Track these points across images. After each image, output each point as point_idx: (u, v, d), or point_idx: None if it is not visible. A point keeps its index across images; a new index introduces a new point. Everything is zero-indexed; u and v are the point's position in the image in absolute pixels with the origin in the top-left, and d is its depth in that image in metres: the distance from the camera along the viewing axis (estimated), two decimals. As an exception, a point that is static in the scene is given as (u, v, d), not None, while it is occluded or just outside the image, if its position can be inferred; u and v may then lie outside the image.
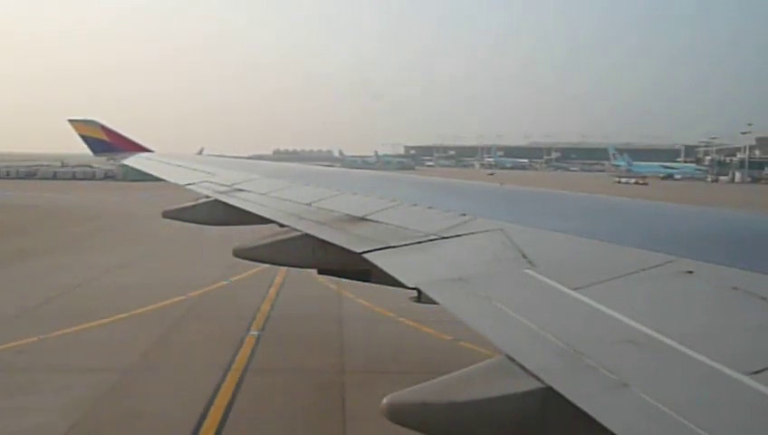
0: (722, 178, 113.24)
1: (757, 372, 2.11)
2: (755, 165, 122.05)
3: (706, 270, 3.14)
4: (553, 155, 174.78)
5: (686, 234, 4.20)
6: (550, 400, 2.32)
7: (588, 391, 2.24)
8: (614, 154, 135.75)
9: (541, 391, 2.38)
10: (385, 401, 2.67)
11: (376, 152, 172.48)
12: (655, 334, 2.52)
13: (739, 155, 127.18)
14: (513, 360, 2.59)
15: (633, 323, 2.66)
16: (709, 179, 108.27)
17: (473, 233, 4.60)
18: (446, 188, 8.19)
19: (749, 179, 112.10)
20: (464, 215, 5.11)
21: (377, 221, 5.61)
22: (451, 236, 4.62)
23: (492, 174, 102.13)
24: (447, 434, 2.67)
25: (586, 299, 3.02)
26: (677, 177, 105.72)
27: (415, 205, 5.99)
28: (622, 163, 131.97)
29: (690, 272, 3.13)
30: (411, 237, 4.81)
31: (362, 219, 5.79)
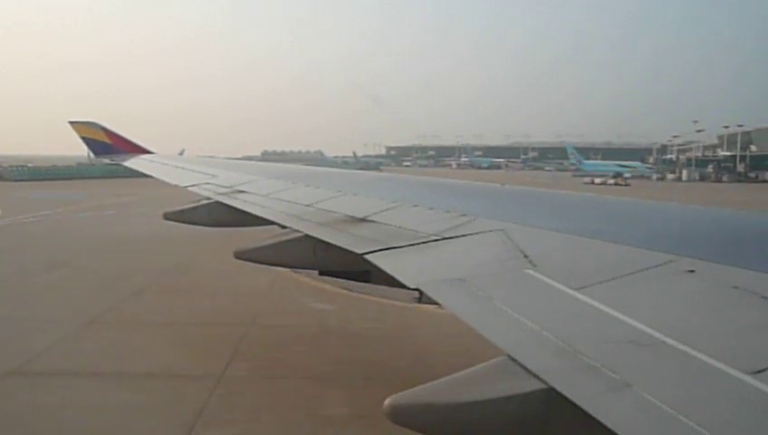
0: (669, 176, 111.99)
1: (759, 372, 2.11)
2: (702, 163, 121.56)
3: (708, 269, 3.14)
4: (530, 154, 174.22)
5: (688, 233, 4.20)
6: (552, 400, 2.32)
7: (590, 392, 2.24)
8: (572, 153, 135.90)
9: (543, 391, 2.37)
10: (387, 401, 2.67)
11: (354, 153, 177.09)
12: (657, 334, 2.52)
13: (699, 153, 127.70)
14: (515, 360, 2.59)
15: (635, 323, 2.65)
16: (655, 178, 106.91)
17: (474, 233, 4.59)
18: (447, 189, 8.19)
19: (697, 177, 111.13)
20: (465, 215, 5.11)
21: (378, 222, 5.61)
22: (452, 237, 4.62)
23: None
24: None
25: (588, 299, 3.01)
26: (627, 175, 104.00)
27: (416, 205, 5.99)
28: (574, 162, 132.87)
29: (692, 271, 3.13)
30: (412, 238, 4.81)
31: (363, 220, 5.79)
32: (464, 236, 4.59)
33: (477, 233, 4.58)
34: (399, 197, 6.47)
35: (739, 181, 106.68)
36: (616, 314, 2.80)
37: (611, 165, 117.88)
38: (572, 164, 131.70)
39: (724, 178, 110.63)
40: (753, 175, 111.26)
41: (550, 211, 5.58)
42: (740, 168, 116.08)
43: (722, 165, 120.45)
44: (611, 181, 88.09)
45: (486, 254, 4.16)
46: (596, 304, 2.94)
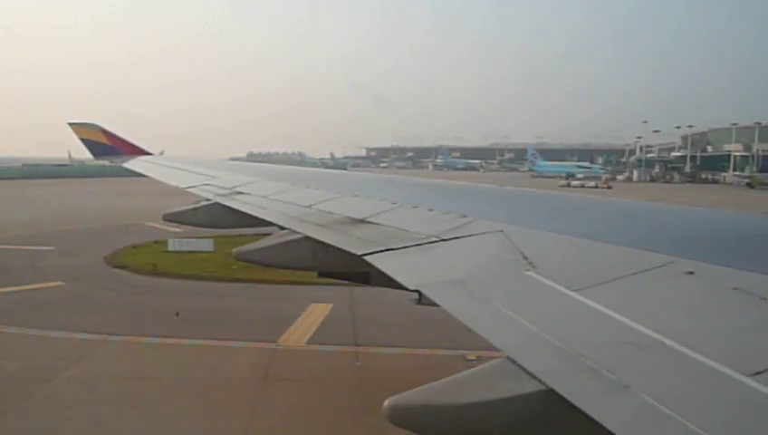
0: (619, 177, 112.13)
1: (758, 374, 2.11)
2: (651, 163, 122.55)
3: (707, 271, 3.14)
4: (506, 156, 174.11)
5: (687, 235, 4.20)
6: (551, 402, 2.32)
7: (589, 393, 2.24)
8: (534, 154, 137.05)
9: (542, 393, 2.38)
10: (387, 403, 2.67)
11: (331, 154, 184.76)
12: (656, 336, 2.52)
13: (655, 154, 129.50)
14: (514, 362, 2.59)
15: (634, 325, 2.65)
16: (604, 178, 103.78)
17: (473, 235, 4.60)
18: (446, 190, 8.19)
19: (648, 178, 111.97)
20: (464, 217, 5.11)
21: (377, 223, 5.61)
22: (452, 238, 4.62)
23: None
24: None
25: (587, 301, 3.02)
26: (579, 176, 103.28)
27: (415, 207, 6.00)
28: (529, 162, 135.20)
29: (691, 273, 3.13)
30: (412, 239, 4.81)
31: (363, 221, 5.79)
32: (463, 237, 4.59)
33: (477, 234, 4.59)
34: (399, 198, 6.48)
35: (689, 181, 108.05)
36: (615, 315, 2.80)
37: (568, 165, 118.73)
38: (532, 163, 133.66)
39: (676, 179, 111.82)
40: (708, 176, 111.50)
41: (549, 213, 5.59)
42: (692, 168, 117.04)
43: (669, 165, 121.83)
44: (591, 184, 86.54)
45: (486, 255, 4.17)
46: (596, 305, 2.95)
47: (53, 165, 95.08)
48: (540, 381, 2.40)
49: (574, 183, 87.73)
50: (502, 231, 4.45)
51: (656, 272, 3.23)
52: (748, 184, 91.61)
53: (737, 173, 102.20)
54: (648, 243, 3.74)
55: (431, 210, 5.69)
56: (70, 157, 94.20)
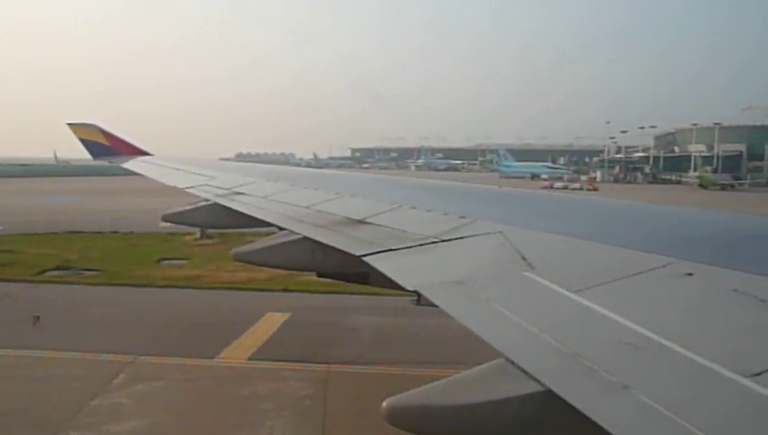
0: (583, 177, 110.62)
1: (757, 375, 2.11)
2: (613, 164, 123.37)
3: (706, 272, 3.14)
4: (488, 157, 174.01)
5: (686, 236, 4.20)
6: (550, 402, 2.32)
7: (588, 394, 2.24)
8: (504, 155, 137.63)
9: (540, 393, 2.37)
10: (385, 404, 2.67)
11: (315, 154, 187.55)
12: (655, 337, 2.52)
13: (622, 154, 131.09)
14: (512, 363, 2.59)
15: (633, 326, 2.65)
16: (565, 178, 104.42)
17: (472, 236, 4.60)
18: (445, 191, 8.20)
19: (611, 179, 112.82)
20: (463, 217, 5.11)
21: (376, 224, 5.61)
22: (450, 239, 4.62)
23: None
24: None
25: (586, 301, 3.02)
26: (544, 176, 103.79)
27: (414, 208, 6.00)
28: (495, 162, 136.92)
29: (690, 274, 3.13)
30: (411, 240, 4.81)
31: (362, 222, 5.79)
32: (462, 238, 4.60)
33: (476, 235, 4.59)
34: (398, 199, 6.48)
35: (649, 182, 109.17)
36: (614, 316, 2.80)
37: (536, 166, 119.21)
38: (497, 164, 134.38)
39: (639, 180, 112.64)
40: (672, 176, 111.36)
41: (548, 214, 5.59)
42: (654, 168, 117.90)
43: (630, 166, 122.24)
44: (576, 185, 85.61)
45: (485, 256, 4.17)
46: (594, 306, 2.95)
47: (18, 165, 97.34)
48: (538, 381, 2.40)
49: (557, 184, 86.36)
50: (501, 232, 4.45)
51: (654, 273, 3.24)
52: (700, 185, 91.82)
53: (696, 174, 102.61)
54: (646, 244, 3.75)
55: (430, 211, 5.69)
56: (56, 157, 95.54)
